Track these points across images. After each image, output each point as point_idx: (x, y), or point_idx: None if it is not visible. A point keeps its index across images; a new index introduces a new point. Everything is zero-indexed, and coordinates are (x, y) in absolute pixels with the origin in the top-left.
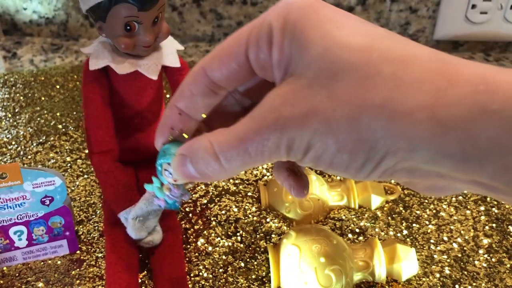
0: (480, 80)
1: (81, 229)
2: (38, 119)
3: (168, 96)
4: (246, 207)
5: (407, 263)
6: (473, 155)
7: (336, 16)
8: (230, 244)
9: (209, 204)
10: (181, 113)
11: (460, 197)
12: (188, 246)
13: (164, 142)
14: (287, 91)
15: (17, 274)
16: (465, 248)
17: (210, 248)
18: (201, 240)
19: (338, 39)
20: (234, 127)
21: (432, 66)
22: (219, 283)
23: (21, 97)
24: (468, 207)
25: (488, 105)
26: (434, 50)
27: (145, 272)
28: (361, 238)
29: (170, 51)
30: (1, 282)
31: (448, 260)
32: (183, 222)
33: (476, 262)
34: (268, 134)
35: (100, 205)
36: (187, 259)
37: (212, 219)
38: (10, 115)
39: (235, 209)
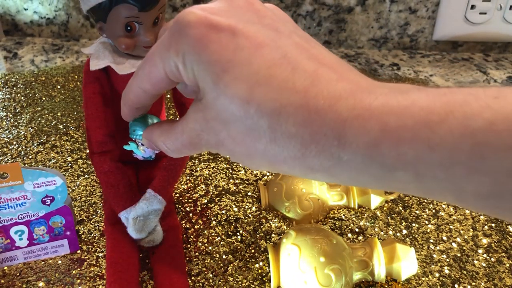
0: (335, 133)
1: (82, 229)
2: (39, 119)
3: (168, 96)
4: (246, 206)
5: (407, 262)
6: (340, 183)
7: (224, 52)
8: (230, 243)
9: (209, 204)
10: (136, 108)
11: None
12: (189, 246)
13: (130, 120)
14: (201, 118)
15: (18, 274)
16: (464, 248)
17: (210, 248)
18: (201, 240)
19: (224, 88)
20: (177, 133)
21: (297, 119)
22: (219, 282)
23: (22, 97)
24: None
25: (341, 157)
26: (307, 87)
27: (146, 271)
28: (360, 237)
29: None
30: (2, 281)
31: (448, 260)
32: (183, 221)
33: (475, 262)
34: (199, 148)
35: (101, 204)
36: (187, 258)
37: (212, 218)
38: (11, 115)
39: (235, 209)
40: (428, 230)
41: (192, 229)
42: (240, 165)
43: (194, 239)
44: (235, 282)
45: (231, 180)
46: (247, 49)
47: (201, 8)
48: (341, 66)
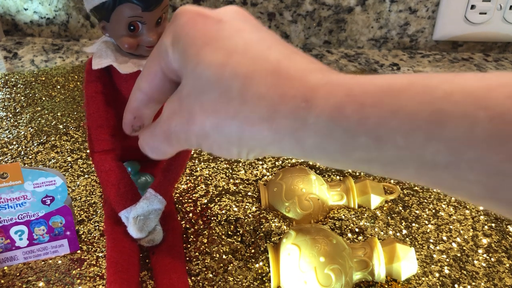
0: (303, 96)
1: (82, 229)
2: (39, 119)
3: None
4: (246, 206)
5: (407, 262)
6: (305, 155)
7: (208, 30)
8: (230, 243)
9: (209, 204)
10: (135, 117)
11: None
12: (189, 246)
13: (129, 133)
14: (175, 99)
15: (18, 274)
16: (464, 248)
17: (210, 248)
18: (201, 240)
19: (204, 56)
20: (153, 126)
21: (268, 82)
22: (219, 282)
23: (22, 97)
24: (468, 206)
25: (307, 119)
26: (280, 59)
27: (146, 271)
28: (360, 237)
29: None
30: (2, 281)
31: (448, 260)
32: (183, 221)
33: (475, 262)
34: (170, 138)
35: (101, 204)
36: (187, 258)
37: (212, 218)
38: (11, 115)
39: (235, 209)
40: (428, 230)
41: (192, 229)
42: (240, 165)
43: (194, 239)
44: (235, 282)
45: (231, 180)
46: (228, 31)
47: (194, 6)
48: (316, 60)
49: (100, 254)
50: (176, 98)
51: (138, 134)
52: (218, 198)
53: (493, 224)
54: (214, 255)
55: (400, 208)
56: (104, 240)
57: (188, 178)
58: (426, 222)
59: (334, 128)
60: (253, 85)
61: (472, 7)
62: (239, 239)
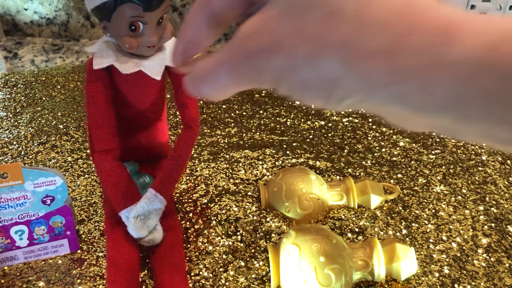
0: (441, 29)
1: (82, 229)
2: (39, 119)
3: (168, 96)
4: (246, 206)
5: (406, 262)
6: (427, 107)
7: None
8: (230, 243)
9: (209, 204)
10: (190, 41)
11: (459, 197)
12: (189, 245)
13: (177, 65)
14: (259, 20)
15: (18, 274)
16: (464, 248)
17: (210, 248)
18: (201, 240)
19: None
20: (218, 52)
21: (396, 7)
22: (219, 282)
23: (22, 97)
24: (467, 206)
25: (445, 56)
26: None
27: (146, 271)
28: (360, 237)
29: None
30: (2, 281)
31: (447, 260)
32: (183, 221)
33: (475, 262)
34: (239, 68)
35: (101, 204)
36: (187, 258)
37: (212, 218)
38: (11, 115)
39: (235, 209)
40: (428, 230)
41: (192, 229)
42: (240, 165)
43: (194, 239)
44: (235, 282)
45: (231, 180)
46: None
47: None
48: None
49: (100, 254)
50: (260, 17)
51: (189, 67)
52: (218, 198)
53: (493, 224)
54: (214, 254)
55: (400, 208)
56: (104, 240)
57: (188, 178)
58: (426, 222)
59: (485, 71)
60: (374, 9)
61: (472, 7)
62: (239, 239)
